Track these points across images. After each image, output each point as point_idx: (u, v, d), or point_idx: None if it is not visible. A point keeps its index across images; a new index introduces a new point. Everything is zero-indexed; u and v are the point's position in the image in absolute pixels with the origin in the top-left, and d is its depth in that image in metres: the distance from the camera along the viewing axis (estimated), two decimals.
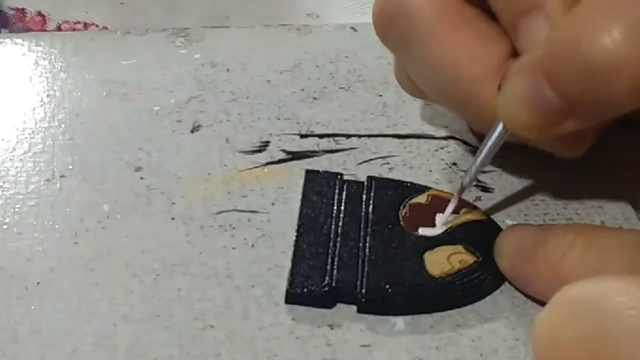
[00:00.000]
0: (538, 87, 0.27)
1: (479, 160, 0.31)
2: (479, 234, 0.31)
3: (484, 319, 0.29)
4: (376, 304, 0.29)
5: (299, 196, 0.33)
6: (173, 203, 0.33)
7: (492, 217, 0.33)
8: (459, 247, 0.30)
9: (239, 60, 0.41)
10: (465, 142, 0.37)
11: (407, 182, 0.33)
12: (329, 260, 0.30)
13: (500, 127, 0.29)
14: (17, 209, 0.32)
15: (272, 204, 0.33)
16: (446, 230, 0.31)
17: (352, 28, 0.44)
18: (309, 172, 0.34)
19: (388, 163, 0.35)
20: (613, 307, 0.20)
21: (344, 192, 0.33)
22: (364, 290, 0.29)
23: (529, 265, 0.29)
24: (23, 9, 0.49)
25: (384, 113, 0.38)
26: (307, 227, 0.31)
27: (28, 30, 0.49)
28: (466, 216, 0.32)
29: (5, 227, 0.32)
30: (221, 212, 0.33)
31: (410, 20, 0.31)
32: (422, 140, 0.37)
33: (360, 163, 0.35)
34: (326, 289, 0.29)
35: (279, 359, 0.27)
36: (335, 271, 0.30)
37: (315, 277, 0.29)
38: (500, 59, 0.30)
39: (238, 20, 0.51)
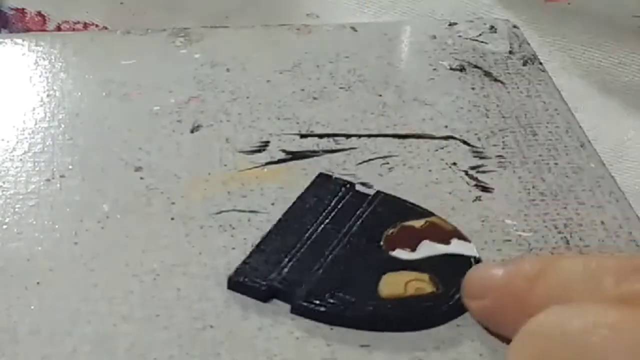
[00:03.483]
0: None
1: None
2: (455, 269, 0.29)
3: None
4: (309, 309, 0.28)
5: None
6: (173, 203, 0.33)
7: (491, 216, 0.33)
8: (424, 276, 0.29)
9: (239, 60, 0.41)
10: (465, 142, 0.37)
11: (414, 205, 0.32)
12: (286, 260, 0.30)
13: None
14: (17, 209, 0.32)
15: (272, 204, 0.33)
16: (423, 257, 0.30)
17: (352, 28, 0.44)
18: (320, 175, 0.34)
19: (388, 163, 0.35)
20: (599, 342, 0.20)
21: (343, 201, 0.32)
22: (302, 294, 0.29)
23: (497, 304, 0.27)
24: (23, 9, 0.49)
25: (384, 113, 0.38)
26: (285, 224, 0.31)
27: (28, 30, 0.49)
28: (454, 248, 0.31)
29: (5, 227, 0.32)
30: (221, 212, 0.33)
31: None
32: (422, 140, 0.37)
33: (360, 163, 0.35)
34: (264, 288, 0.29)
35: (279, 359, 0.27)
36: (285, 270, 0.29)
37: (263, 272, 0.29)
38: None
39: (238, 20, 0.51)
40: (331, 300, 0.29)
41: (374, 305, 0.28)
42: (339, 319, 0.28)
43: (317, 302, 0.29)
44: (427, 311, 0.29)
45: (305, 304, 0.29)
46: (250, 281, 0.29)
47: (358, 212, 0.32)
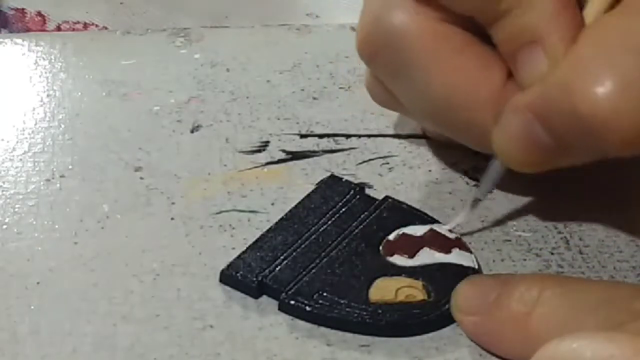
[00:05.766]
0: (532, 128, 0.27)
1: (483, 187, 0.31)
2: (451, 279, 0.29)
3: None
4: (295, 307, 0.28)
5: (299, 196, 0.33)
6: (173, 203, 0.33)
7: (491, 216, 0.33)
8: (418, 283, 0.29)
9: (239, 60, 0.41)
10: None
11: (421, 212, 0.32)
12: (281, 258, 0.30)
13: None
14: (17, 209, 0.32)
15: (272, 204, 0.33)
16: (420, 264, 0.30)
17: (352, 28, 0.43)
18: (331, 177, 0.34)
19: (388, 163, 0.35)
20: None
21: (349, 204, 0.32)
22: (290, 291, 0.29)
23: (493, 323, 0.27)
24: (23, 9, 0.49)
25: (383, 113, 0.38)
26: (287, 223, 0.31)
27: (28, 30, 0.49)
28: (454, 258, 0.30)
29: (5, 227, 0.32)
30: (221, 212, 0.33)
31: (403, 48, 0.30)
32: (422, 140, 0.37)
33: (360, 163, 0.35)
34: (254, 284, 0.29)
35: (279, 359, 0.27)
36: (278, 268, 0.29)
37: (255, 267, 0.29)
38: (499, 84, 0.29)
39: (238, 20, 0.51)
40: (319, 300, 0.29)
41: (360, 309, 0.28)
42: (324, 320, 0.28)
43: (304, 300, 0.28)
44: (413, 318, 0.28)
45: (291, 301, 0.29)
46: (242, 276, 0.29)
47: (362, 215, 0.32)
